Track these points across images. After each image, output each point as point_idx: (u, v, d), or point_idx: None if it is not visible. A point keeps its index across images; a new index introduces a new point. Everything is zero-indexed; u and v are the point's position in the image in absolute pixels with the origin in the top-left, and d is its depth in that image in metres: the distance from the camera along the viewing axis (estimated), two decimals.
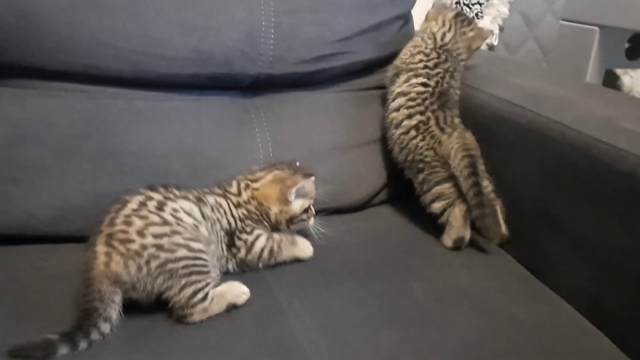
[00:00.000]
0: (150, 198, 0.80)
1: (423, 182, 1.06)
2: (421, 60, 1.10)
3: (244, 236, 0.90)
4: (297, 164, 1.00)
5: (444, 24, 1.15)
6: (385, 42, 1.24)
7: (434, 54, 1.10)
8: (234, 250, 0.89)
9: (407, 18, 1.29)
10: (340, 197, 1.13)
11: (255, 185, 0.93)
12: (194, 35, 1.04)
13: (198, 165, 1.05)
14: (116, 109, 1.01)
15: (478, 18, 1.82)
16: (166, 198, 0.81)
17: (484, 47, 1.81)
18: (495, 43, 1.84)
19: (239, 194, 0.93)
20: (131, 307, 0.77)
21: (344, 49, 1.18)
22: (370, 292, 0.88)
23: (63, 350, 0.69)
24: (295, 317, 0.80)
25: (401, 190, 1.17)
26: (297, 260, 0.95)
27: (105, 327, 0.73)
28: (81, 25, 0.97)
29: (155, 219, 0.77)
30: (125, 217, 0.77)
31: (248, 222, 0.91)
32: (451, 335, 0.80)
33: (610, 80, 1.93)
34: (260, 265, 0.91)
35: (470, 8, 1.82)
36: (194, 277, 0.77)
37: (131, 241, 0.75)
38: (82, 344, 0.70)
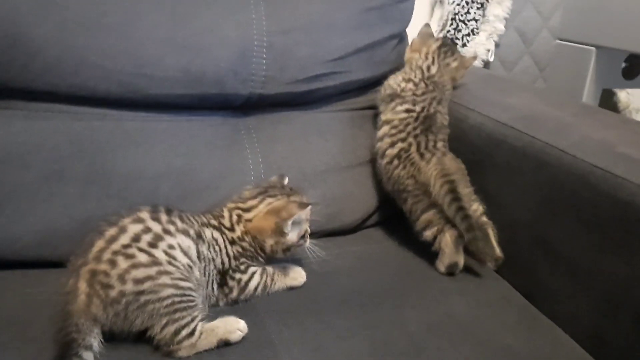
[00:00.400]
0: (148, 230, 0.76)
1: (411, 211, 1.04)
2: (410, 89, 1.11)
3: (237, 275, 0.87)
4: (286, 180, 0.97)
5: (427, 57, 1.15)
6: (380, 61, 1.22)
7: (423, 84, 1.11)
8: (226, 290, 0.86)
9: (401, 37, 1.27)
10: (334, 220, 1.11)
11: (247, 216, 0.90)
12: (185, 56, 1.02)
13: (188, 188, 1.02)
14: (104, 130, 0.99)
15: (474, 34, 1.81)
16: (165, 231, 0.77)
17: (479, 64, 1.81)
18: (491, 59, 1.82)
19: (232, 228, 0.89)
20: (116, 337, 0.75)
21: (338, 69, 1.16)
22: (361, 322, 0.85)
23: None
24: (284, 350, 0.78)
25: (395, 211, 1.14)
26: (290, 288, 0.93)
27: (88, 356, 0.70)
28: (69, 45, 0.95)
29: (143, 259, 0.74)
30: (112, 255, 0.74)
31: (243, 259, 0.88)
32: None
33: (607, 97, 1.92)
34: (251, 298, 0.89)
35: (466, 24, 1.81)
36: (177, 315, 0.74)
37: (111, 287, 0.72)
38: None
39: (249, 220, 0.89)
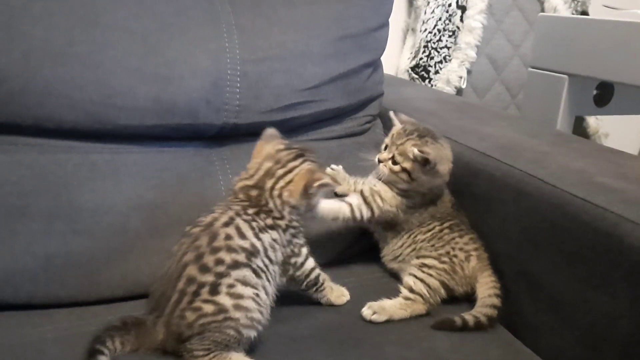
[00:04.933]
0: (203, 285, 0.76)
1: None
2: None
3: (292, 260, 0.89)
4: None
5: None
6: (355, 89, 1.21)
7: None
8: (285, 273, 0.90)
9: (376, 65, 1.26)
10: (313, 254, 1.07)
11: (288, 177, 0.87)
12: (156, 85, 0.99)
13: (159, 223, 0.98)
14: (70, 163, 0.95)
15: (446, 61, 1.83)
16: (218, 275, 0.76)
17: (452, 91, 1.82)
18: (464, 86, 1.84)
19: (282, 216, 0.86)
20: None
21: (313, 97, 1.14)
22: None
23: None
24: None
25: (374, 243, 1.12)
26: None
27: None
28: (34, 75, 0.92)
29: (209, 309, 0.76)
30: (180, 312, 0.76)
31: (295, 240, 0.89)
32: None
33: (577, 123, 1.95)
34: (304, 286, 0.92)
35: (438, 52, 1.82)
36: (221, 346, 0.77)
37: (182, 334, 0.77)
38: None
39: (291, 182, 0.86)
